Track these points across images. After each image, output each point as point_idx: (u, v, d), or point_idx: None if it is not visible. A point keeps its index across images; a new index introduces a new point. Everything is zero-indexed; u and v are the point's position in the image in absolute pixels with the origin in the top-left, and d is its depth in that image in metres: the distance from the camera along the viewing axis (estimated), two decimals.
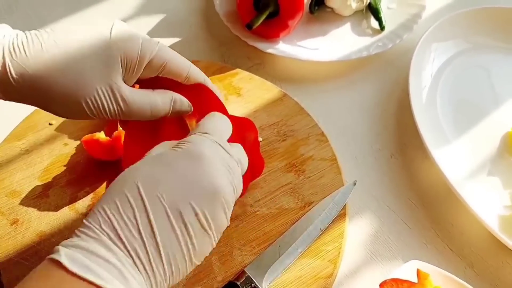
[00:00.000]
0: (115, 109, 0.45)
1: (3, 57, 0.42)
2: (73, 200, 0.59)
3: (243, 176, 0.45)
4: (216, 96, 0.54)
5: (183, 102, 0.50)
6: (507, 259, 0.58)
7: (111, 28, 0.45)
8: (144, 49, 0.46)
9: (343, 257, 0.56)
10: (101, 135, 0.61)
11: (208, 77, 0.65)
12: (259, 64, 0.76)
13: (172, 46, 0.78)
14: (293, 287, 0.53)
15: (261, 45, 0.73)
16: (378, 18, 0.78)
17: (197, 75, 0.51)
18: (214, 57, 0.77)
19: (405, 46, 0.77)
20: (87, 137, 0.60)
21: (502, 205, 0.60)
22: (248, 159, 0.49)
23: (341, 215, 0.57)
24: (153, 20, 0.82)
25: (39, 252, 0.55)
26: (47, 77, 0.43)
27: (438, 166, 0.60)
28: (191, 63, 0.51)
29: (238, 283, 0.51)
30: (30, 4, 0.83)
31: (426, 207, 0.62)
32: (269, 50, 0.73)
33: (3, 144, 0.64)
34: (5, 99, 0.45)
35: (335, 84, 0.74)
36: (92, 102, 0.44)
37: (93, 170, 0.61)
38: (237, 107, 0.67)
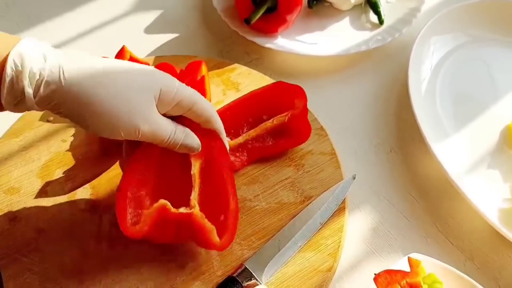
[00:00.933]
0: (146, 134, 0.48)
1: (58, 63, 0.44)
2: (72, 196, 0.59)
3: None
4: (224, 146, 0.56)
5: (194, 139, 0.53)
6: (507, 252, 0.57)
7: (154, 69, 0.50)
8: (180, 89, 0.50)
9: (343, 251, 0.56)
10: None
11: (207, 72, 0.65)
12: (258, 59, 0.76)
13: (170, 42, 0.78)
14: (293, 281, 0.53)
15: (260, 40, 0.73)
16: (377, 12, 0.77)
17: (216, 121, 0.54)
18: (212, 52, 0.77)
19: (404, 40, 0.77)
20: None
21: (502, 198, 0.60)
22: (296, 124, 0.61)
23: (340, 209, 0.57)
24: (151, 16, 0.82)
25: (38, 249, 0.55)
26: (94, 89, 0.45)
27: (438, 160, 0.60)
28: (214, 109, 0.54)
29: (237, 277, 0.51)
30: (26, 1, 0.83)
31: (426, 201, 0.62)
32: (268, 45, 0.73)
33: (0, 141, 0.63)
34: (46, 105, 0.45)
35: (334, 78, 0.74)
36: (129, 128, 0.47)
37: (91, 166, 0.61)
38: None
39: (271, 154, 0.62)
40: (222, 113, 0.61)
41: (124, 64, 0.49)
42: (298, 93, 0.62)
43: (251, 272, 0.52)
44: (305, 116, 0.61)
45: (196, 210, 0.50)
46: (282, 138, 0.62)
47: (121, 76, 0.47)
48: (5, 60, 0.42)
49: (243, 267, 0.52)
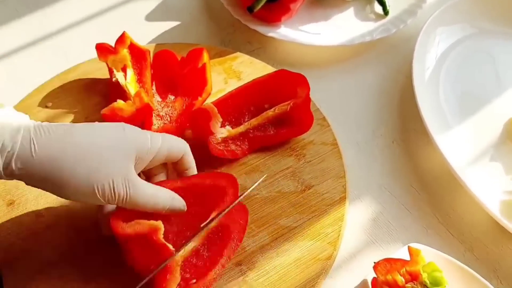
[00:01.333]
0: (124, 198, 0.46)
1: (30, 134, 0.44)
2: None
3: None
4: (245, 225, 0.54)
5: (180, 202, 0.51)
6: (507, 244, 0.57)
7: (124, 127, 0.48)
8: (153, 143, 0.49)
9: (343, 240, 0.56)
10: (122, 104, 0.60)
11: (208, 59, 0.65)
12: (260, 49, 0.75)
13: (171, 30, 0.77)
14: (292, 269, 0.52)
15: (263, 29, 0.72)
16: (382, 3, 0.77)
17: (190, 161, 0.53)
18: (214, 41, 0.76)
19: (408, 31, 0.76)
20: (107, 110, 0.59)
21: (504, 190, 0.60)
22: (299, 114, 0.59)
23: (341, 199, 0.57)
24: (152, 3, 0.81)
25: (36, 233, 0.55)
26: (64, 161, 0.44)
27: (441, 152, 0.59)
28: (187, 148, 0.53)
29: None
30: None
31: (427, 193, 0.61)
32: (271, 34, 0.72)
33: None
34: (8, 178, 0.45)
35: (337, 69, 0.74)
36: (105, 189, 0.45)
37: None
38: None
39: (272, 143, 0.61)
40: (224, 101, 0.61)
41: (96, 132, 0.47)
42: (300, 81, 0.61)
43: None
44: (308, 105, 0.61)
45: (178, 256, 0.49)
46: (283, 127, 0.61)
47: (93, 148, 0.46)
48: None
49: None
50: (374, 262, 0.50)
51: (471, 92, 0.69)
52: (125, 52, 0.64)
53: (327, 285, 0.54)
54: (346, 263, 0.56)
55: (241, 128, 0.60)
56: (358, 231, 0.58)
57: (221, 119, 0.60)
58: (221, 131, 0.60)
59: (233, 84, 0.67)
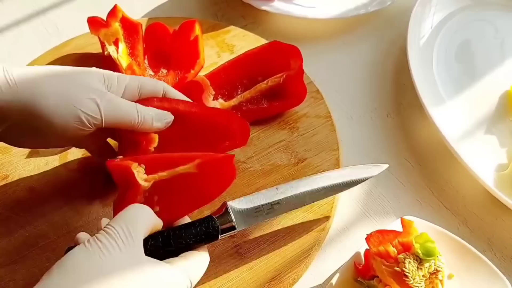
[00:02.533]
0: (104, 110, 0.47)
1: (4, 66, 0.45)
2: (64, 156, 0.58)
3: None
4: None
5: (165, 114, 0.51)
6: (501, 216, 0.57)
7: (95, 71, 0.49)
8: (120, 77, 0.50)
9: (336, 213, 0.56)
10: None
11: (201, 32, 0.64)
12: (254, 23, 0.75)
13: (164, 4, 0.77)
14: (285, 240, 0.53)
15: (256, 2, 0.71)
16: None
17: (171, 92, 0.53)
18: (207, 16, 0.75)
19: (403, 4, 0.75)
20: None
21: (498, 163, 0.60)
22: (292, 86, 0.59)
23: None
24: None
25: (31, 208, 0.55)
26: (43, 89, 0.45)
27: (435, 125, 0.59)
28: (165, 84, 0.53)
29: (217, 218, 0.47)
30: None
31: (421, 166, 0.61)
32: (264, 8, 0.71)
33: None
34: None
35: (331, 42, 0.73)
36: (88, 106, 0.46)
37: None
38: None
39: (265, 117, 0.61)
40: (216, 73, 0.60)
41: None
42: (293, 53, 0.60)
43: (231, 216, 0.48)
44: (301, 77, 0.60)
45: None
46: (276, 100, 0.61)
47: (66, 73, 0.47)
48: None
49: (225, 209, 0.48)
50: (367, 234, 0.50)
51: (466, 65, 0.69)
52: (117, 25, 0.63)
53: (320, 257, 0.54)
54: (339, 235, 0.56)
55: (233, 101, 0.60)
56: (351, 204, 0.58)
57: (213, 92, 0.59)
58: (214, 104, 0.59)
59: (226, 58, 0.66)
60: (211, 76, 0.60)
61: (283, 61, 0.61)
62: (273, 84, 0.60)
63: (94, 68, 0.49)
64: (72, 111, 0.45)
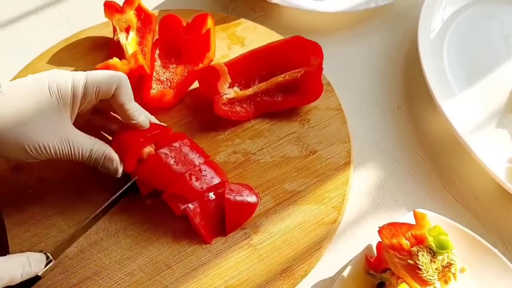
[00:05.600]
0: (60, 153, 0.48)
1: None
2: None
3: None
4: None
5: (113, 163, 0.52)
6: None
7: (47, 81, 0.48)
8: (76, 83, 0.49)
9: (347, 206, 0.56)
10: (117, 61, 0.60)
11: (213, 25, 0.64)
12: (264, 16, 0.74)
13: None
14: (296, 232, 0.52)
15: None
16: None
17: (124, 94, 0.52)
18: (218, 9, 0.75)
19: None
20: (101, 65, 0.59)
21: (510, 156, 0.59)
22: (309, 82, 0.59)
23: (345, 163, 0.57)
24: None
25: (42, 198, 0.55)
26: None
27: (446, 118, 0.59)
28: (120, 76, 0.51)
29: None
30: None
31: (432, 159, 0.61)
32: (274, 1, 0.71)
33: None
34: None
35: (342, 36, 0.73)
36: (37, 149, 0.47)
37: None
38: None
39: (278, 110, 0.61)
40: (235, 63, 0.61)
41: (24, 95, 0.47)
42: (314, 50, 0.60)
43: None
44: (319, 74, 0.60)
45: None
46: (292, 94, 0.61)
47: (23, 113, 0.46)
48: None
49: None
50: (379, 227, 0.49)
51: (477, 58, 0.68)
52: (131, 13, 0.64)
53: (331, 249, 0.54)
54: (351, 228, 0.56)
55: (249, 91, 0.60)
56: (362, 197, 0.58)
57: (230, 80, 0.59)
58: (228, 92, 0.59)
59: (237, 50, 0.66)
60: (231, 64, 0.60)
61: (303, 57, 0.60)
62: (290, 78, 0.60)
63: (50, 93, 0.48)
64: (24, 153, 0.47)
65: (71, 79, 0.49)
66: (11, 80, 0.64)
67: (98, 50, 0.67)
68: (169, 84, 0.62)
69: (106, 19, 0.65)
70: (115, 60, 0.60)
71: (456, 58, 0.68)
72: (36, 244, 0.52)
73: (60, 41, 0.68)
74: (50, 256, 0.47)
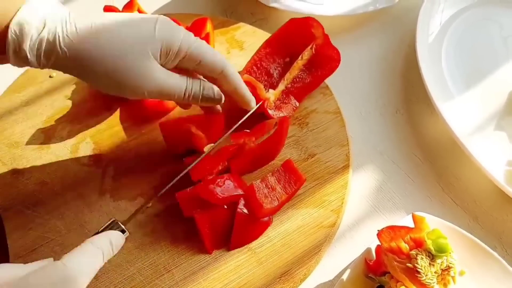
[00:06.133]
0: (150, 86, 0.47)
1: (55, 29, 0.44)
2: (75, 150, 0.59)
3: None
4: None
5: (214, 89, 0.51)
6: None
7: (156, 21, 0.47)
8: (184, 42, 0.48)
9: (346, 209, 0.56)
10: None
11: (212, 29, 0.64)
12: (263, 20, 0.75)
13: (175, 1, 0.77)
14: (295, 236, 0.53)
15: None
16: None
17: (231, 73, 0.51)
18: (217, 13, 0.75)
19: (412, 1, 0.75)
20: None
21: (508, 159, 0.59)
22: (324, 52, 0.61)
23: (344, 167, 0.57)
24: None
25: (42, 202, 0.55)
26: (91, 52, 0.44)
27: (445, 121, 0.59)
28: (227, 63, 0.51)
29: None
30: None
31: (431, 162, 0.61)
32: (273, 4, 0.71)
33: (3, 96, 0.63)
34: (52, 68, 0.46)
35: (340, 39, 0.73)
36: (130, 79, 0.46)
37: (94, 122, 0.61)
38: (240, 61, 0.65)
39: (314, 89, 0.62)
40: (250, 68, 0.61)
41: (125, 19, 0.47)
42: (312, 23, 0.62)
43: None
44: (328, 41, 0.62)
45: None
46: (316, 70, 0.62)
47: (118, 34, 0.45)
48: (7, 27, 0.42)
49: None
50: (378, 230, 0.50)
51: (475, 61, 0.69)
52: None
53: (330, 253, 0.54)
54: (350, 231, 0.56)
55: (281, 87, 0.61)
56: (361, 200, 0.58)
57: (262, 85, 0.60)
58: (270, 95, 0.60)
59: (236, 54, 0.66)
60: (247, 72, 0.61)
61: (306, 34, 0.62)
62: (308, 57, 0.62)
63: (152, 26, 0.47)
64: (121, 90, 0.47)
65: (182, 35, 0.48)
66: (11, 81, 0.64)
67: None
68: None
69: None
70: None
71: (455, 61, 0.68)
72: (36, 248, 0.52)
73: None
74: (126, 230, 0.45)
